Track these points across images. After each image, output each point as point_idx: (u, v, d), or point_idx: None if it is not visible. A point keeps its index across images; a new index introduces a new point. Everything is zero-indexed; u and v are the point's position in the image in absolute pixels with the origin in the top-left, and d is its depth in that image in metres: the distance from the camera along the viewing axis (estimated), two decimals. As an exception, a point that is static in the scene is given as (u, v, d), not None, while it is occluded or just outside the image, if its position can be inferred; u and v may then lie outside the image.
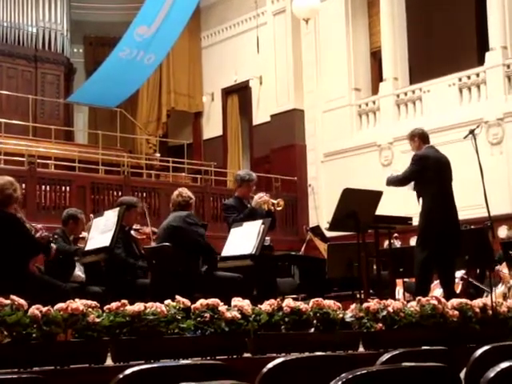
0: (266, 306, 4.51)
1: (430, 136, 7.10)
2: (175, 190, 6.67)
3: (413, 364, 2.39)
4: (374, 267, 7.17)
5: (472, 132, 7.03)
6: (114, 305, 3.99)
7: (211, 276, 6.22)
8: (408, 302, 5.64)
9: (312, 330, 4.67)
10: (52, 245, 6.03)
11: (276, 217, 7.29)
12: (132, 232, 7.00)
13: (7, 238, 5.41)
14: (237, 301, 4.42)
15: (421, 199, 6.77)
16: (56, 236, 6.51)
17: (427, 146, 6.92)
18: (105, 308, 3.97)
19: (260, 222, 6.10)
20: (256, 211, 6.87)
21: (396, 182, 6.98)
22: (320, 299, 4.80)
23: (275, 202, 7.09)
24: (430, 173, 6.69)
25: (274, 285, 6.98)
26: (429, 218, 6.63)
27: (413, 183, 6.85)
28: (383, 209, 6.59)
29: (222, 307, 4.28)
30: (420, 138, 6.94)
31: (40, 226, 6.02)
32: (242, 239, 6.04)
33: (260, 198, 6.95)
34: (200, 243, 6.28)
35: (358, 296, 6.52)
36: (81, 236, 7.06)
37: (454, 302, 5.61)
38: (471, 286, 8.50)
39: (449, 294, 6.44)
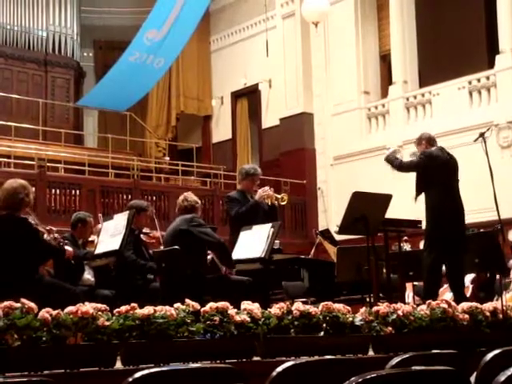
0: (276, 309, 4.51)
1: (440, 139, 7.11)
2: (181, 195, 6.64)
3: (423, 368, 2.38)
4: (384, 271, 7.15)
5: (482, 135, 7.02)
6: (123, 308, 4.00)
7: (220, 279, 6.22)
8: (418, 305, 5.62)
9: (321, 333, 4.66)
10: (67, 247, 6.04)
11: (279, 210, 7.30)
12: (142, 236, 7.01)
13: (18, 243, 5.42)
14: (246, 304, 4.42)
15: (421, 196, 6.75)
16: (66, 241, 6.54)
17: (436, 147, 6.92)
18: (114, 311, 3.98)
19: (269, 225, 6.10)
20: (259, 205, 6.86)
21: (396, 165, 6.99)
22: (329, 303, 4.79)
23: (279, 196, 7.09)
24: (437, 173, 6.68)
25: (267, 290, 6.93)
26: (435, 220, 6.62)
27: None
28: (392, 212, 6.58)
29: (232, 310, 4.28)
30: (427, 141, 6.95)
31: (49, 227, 6.03)
32: (252, 242, 6.04)
33: (264, 191, 6.95)
34: (210, 241, 6.23)
35: (367, 299, 6.50)
36: (90, 239, 7.08)
37: (465, 305, 5.59)
38: (481, 290, 8.46)
39: (459, 297, 6.42)
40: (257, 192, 6.99)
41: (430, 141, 6.96)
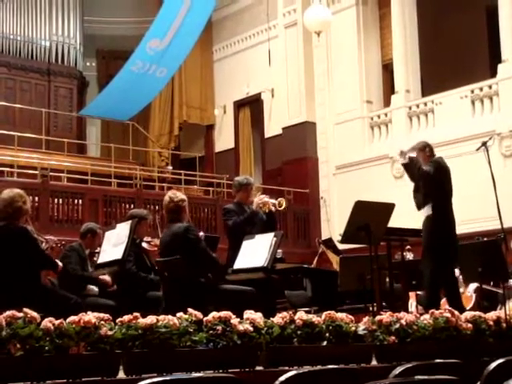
0: (278, 318, 4.50)
1: (442, 148, 7.11)
2: (166, 196, 6.37)
3: (426, 377, 2.38)
4: (387, 280, 7.14)
5: (484, 144, 7.02)
6: (126, 317, 3.99)
7: (223, 289, 6.20)
8: (421, 314, 5.61)
9: (324, 342, 4.64)
10: (58, 262, 6.05)
11: (277, 217, 7.25)
12: (143, 244, 7.01)
13: (19, 251, 5.42)
14: (249, 313, 4.41)
15: (425, 208, 6.72)
16: (74, 249, 6.56)
17: (437, 156, 6.90)
18: (117, 321, 3.97)
19: (272, 234, 6.08)
20: (256, 214, 6.80)
21: (421, 171, 6.69)
22: (332, 312, 4.78)
23: (276, 202, 7.00)
24: (444, 183, 6.65)
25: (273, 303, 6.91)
26: (434, 230, 6.60)
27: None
28: (395, 221, 6.57)
29: (235, 320, 4.27)
30: (431, 150, 6.92)
31: (48, 236, 6.04)
32: (254, 252, 6.03)
33: (260, 199, 6.87)
34: (204, 258, 6.16)
35: (370, 309, 6.49)
36: (96, 251, 7.09)
37: (468, 314, 5.58)
38: (485, 299, 8.44)
39: (457, 309, 6.39)
40: (253, 202, 6.95)
41: (432, 150, 6.95)
